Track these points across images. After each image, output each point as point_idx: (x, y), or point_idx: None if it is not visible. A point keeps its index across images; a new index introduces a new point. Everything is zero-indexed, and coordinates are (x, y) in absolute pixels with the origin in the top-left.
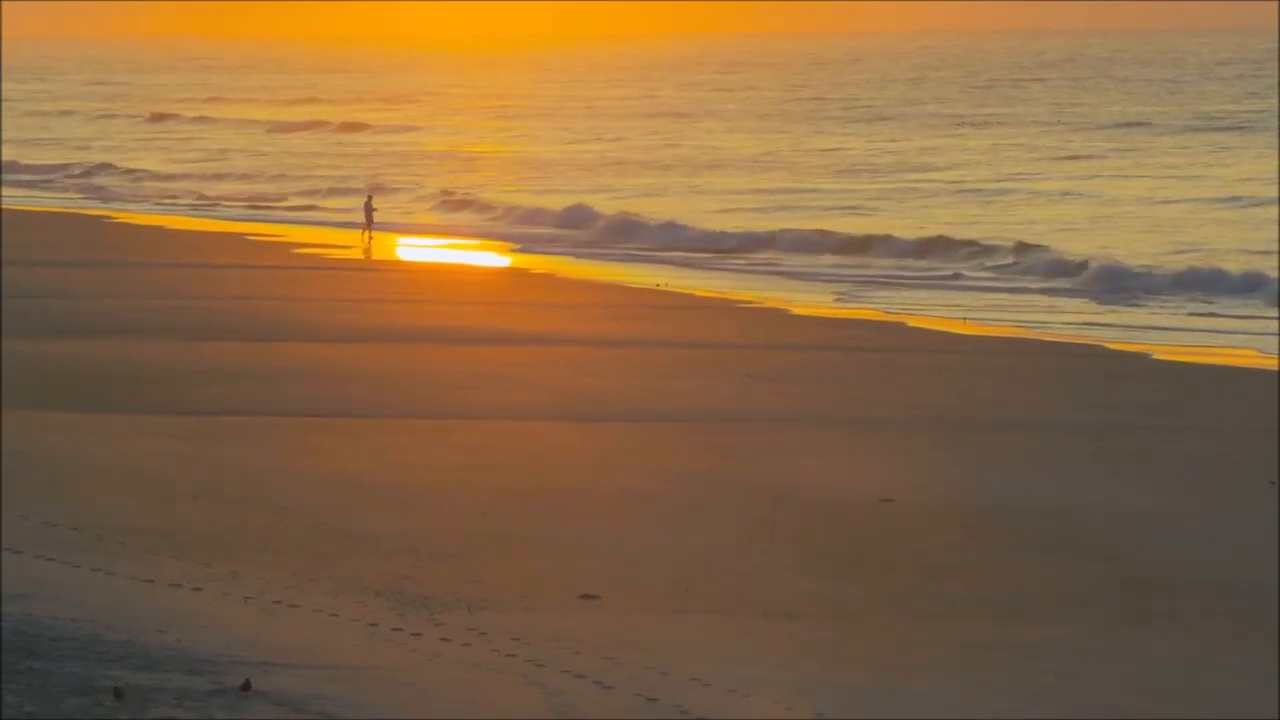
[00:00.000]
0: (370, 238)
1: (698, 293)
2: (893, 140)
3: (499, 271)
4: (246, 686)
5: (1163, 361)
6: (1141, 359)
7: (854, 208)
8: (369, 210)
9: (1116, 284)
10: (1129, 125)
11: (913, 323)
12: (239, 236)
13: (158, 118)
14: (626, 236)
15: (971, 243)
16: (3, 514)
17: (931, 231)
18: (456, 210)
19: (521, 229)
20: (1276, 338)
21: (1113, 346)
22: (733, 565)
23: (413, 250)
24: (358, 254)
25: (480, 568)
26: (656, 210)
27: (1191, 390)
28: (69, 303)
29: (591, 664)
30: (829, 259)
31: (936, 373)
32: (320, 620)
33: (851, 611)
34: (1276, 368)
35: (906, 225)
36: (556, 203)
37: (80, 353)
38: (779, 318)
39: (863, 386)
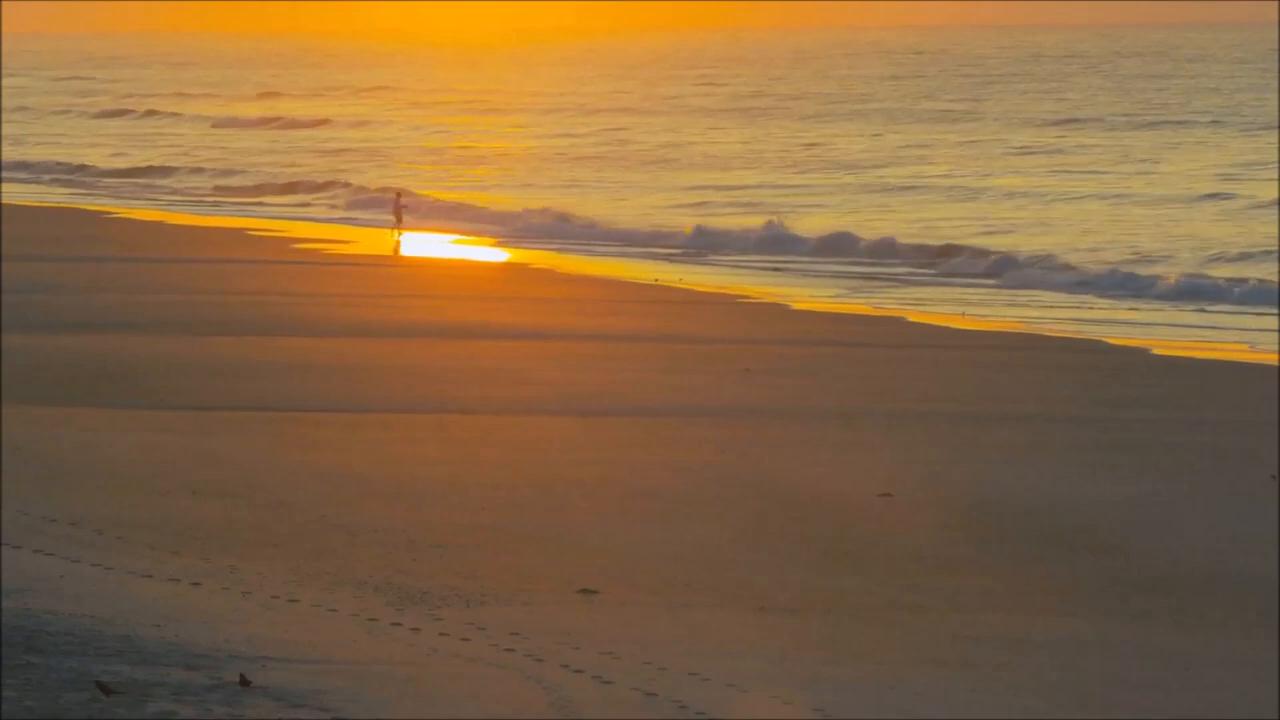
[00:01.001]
0: (399, 234)
1: (696, 287)
2: (832, 136)
3: (496, 266)
4: (244, 682)
5: (1162, 356)
6: (1140, 353)
7: (769, 204)
8: (398, 207)
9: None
10: (1077, 121)
11: (912, 317)
12: (239, 231)
13: (108, 113)
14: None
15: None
16: (2, 509)
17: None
18: (364, 208)
19: (427, 222)
20: (1276, 334)
21: (1112, 341)
22: (731, 560)
23: (409, 246)
24: (388, 250)
25: (479, 562)
26: (589, 207)
27: (1191, 385)
28: (66, 297)
29: (590, 659)
30: (733, 257)
31: (935, 367)
32: (319, 615)
33: (850, 606)
34: (1276, 362)
35: (820, 222)
36: (479, 199)
37: (79, 347)
38: (776, 312)
39: (860, 381)
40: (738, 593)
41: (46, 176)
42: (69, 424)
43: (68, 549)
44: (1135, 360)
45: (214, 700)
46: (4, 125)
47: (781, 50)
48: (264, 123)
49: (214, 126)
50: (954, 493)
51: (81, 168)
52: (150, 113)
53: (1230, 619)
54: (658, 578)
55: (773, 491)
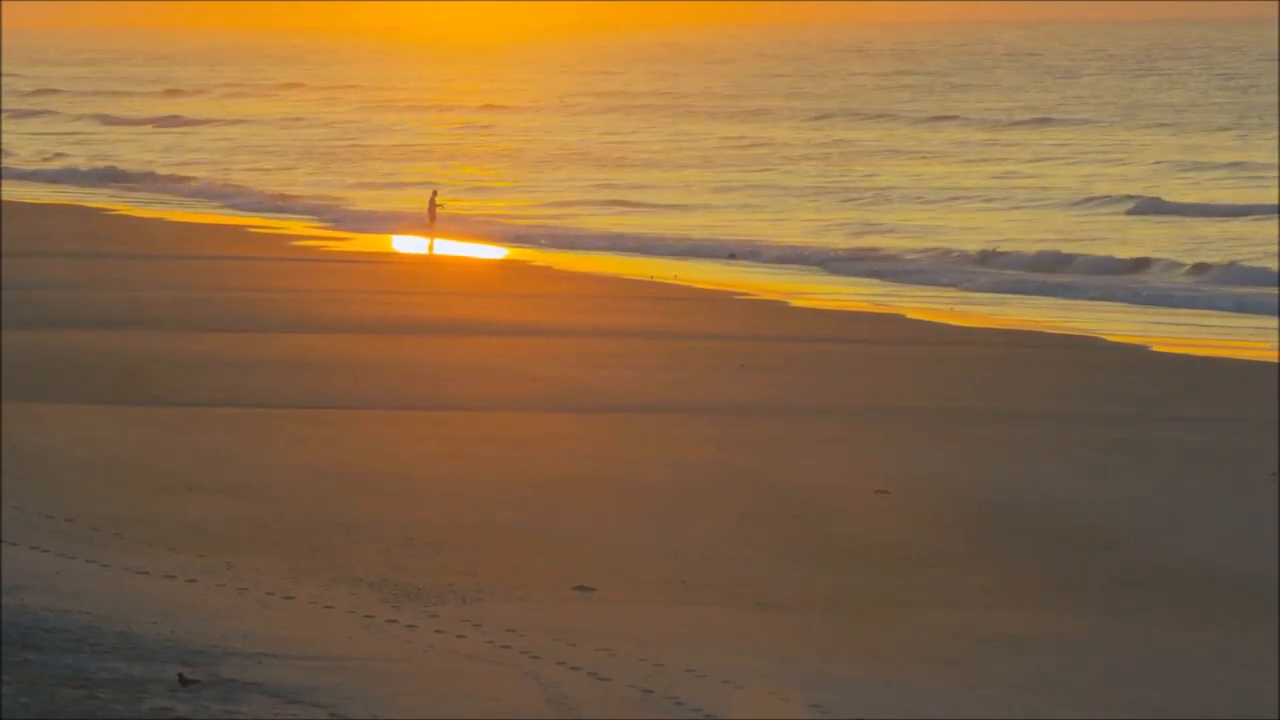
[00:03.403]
0: (432, 233)
1: (694, 284)
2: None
3: (492, 263)
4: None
5: (1162, 353)
6: (1140, 350)
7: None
8: (433, 206)
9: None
10: (946, 118)
11: (911, 314)
12: (238, 228)
13: None
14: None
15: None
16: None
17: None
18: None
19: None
20: (1276, 332)
21: (1111, 338)
22: (728, 556)
23: (406, 241)
24: (425, 249)
25: (475, 559)
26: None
27: (1191, 382)
28: (64, 294)
29: (587, 656)
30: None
31: (934, 364)
32: (315, 612)
33: (847, 603)
34: (1276, 360)
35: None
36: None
37: (77, 344)
38: (773, 309)
39: (858, 377)
40: (735, 589)
41: None
42: (66, 420)
43: (64, 546)
44: (1135, 356)
45: (209, 696)
46: None
47: (759, 47)
48: (164, 120)
49: (104, 124)
50: (952, 489)
51: None
52: (44, 111)
53: (1230, 616)
54: (655, 574)
55: (770, 488)
